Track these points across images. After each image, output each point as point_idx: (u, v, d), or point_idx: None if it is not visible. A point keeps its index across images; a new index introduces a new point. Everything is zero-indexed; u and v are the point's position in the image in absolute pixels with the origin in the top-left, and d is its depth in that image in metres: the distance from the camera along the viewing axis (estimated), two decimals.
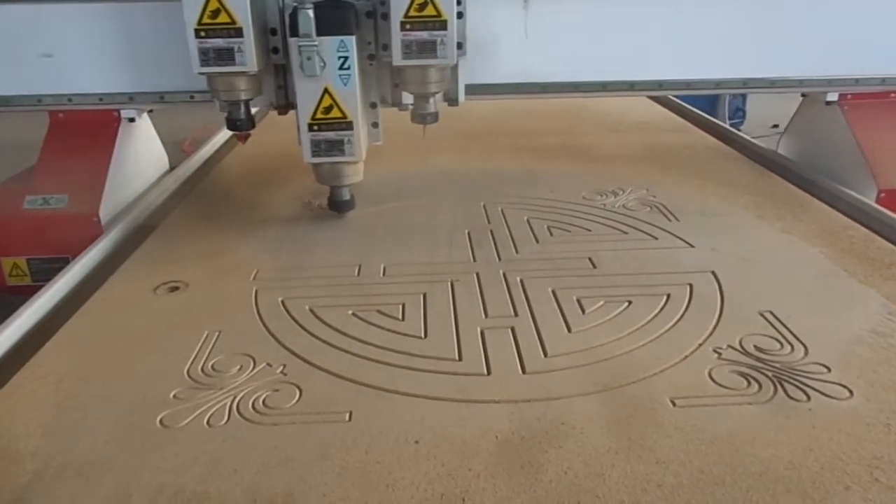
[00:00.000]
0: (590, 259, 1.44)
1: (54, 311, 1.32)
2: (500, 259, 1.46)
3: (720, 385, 1.02)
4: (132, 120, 1.91)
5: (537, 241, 1.55)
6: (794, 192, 1.84)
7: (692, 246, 1.50)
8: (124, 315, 1.26)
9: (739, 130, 2.54)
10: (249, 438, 0.93)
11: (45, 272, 1.69)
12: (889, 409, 0.95)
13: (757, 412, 0.96)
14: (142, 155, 2.07)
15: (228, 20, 1.37)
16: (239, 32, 1.38)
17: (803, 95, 2.08)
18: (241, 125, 1.56)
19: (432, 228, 1.64)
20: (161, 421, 0.96)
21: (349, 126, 1.48)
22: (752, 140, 2.34)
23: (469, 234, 1.59)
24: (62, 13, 1.69)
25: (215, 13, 1.36)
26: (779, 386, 1.01)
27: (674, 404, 0.97)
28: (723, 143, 2.35)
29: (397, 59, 1.45)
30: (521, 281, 1.35)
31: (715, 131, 2.50)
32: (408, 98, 1.63)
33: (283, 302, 1.29)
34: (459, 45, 1.51)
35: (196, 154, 2.35)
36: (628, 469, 0.86)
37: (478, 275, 1.38)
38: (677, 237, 1.55)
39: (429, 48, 1.43)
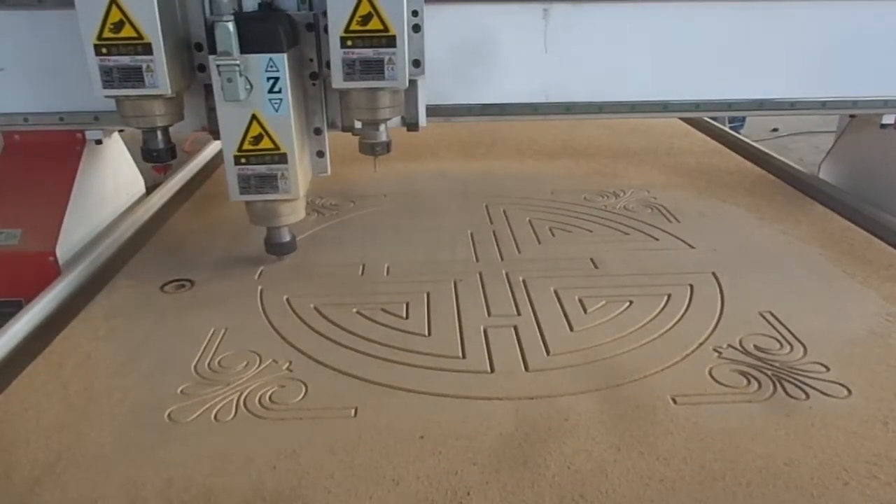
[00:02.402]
0: (591, 259, 1.46)
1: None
2: (502, 259, 1.48)
3: (721, 383, 1.03)
4: (99, 142, 1.70)
5: (539, 242, 1.56)
6: (794, 195, 1.86)
7: (693, 247, 1.51)
8: (132, 312, 1.27)
9: (739, 134, 2.55)
10: (257, 433, 0.94)
11: None
12: (887, 407, 0.97)
13: (757, 410, 0.97)
14: (110, 181, 1.84)
15: (134, 34, 1.16)
16: (147, 49, 1.17)
17: (851, 116, 1.92)
18: (159, 156, 1.34)
19: (435, 228, 1.65)
20: (169, 415, 0.98)
21: (283, 159, 1.27)
22: (753, 143, 2.35)
23: (472, 234, 1.61)
24: (15, 21, 1.45)
25: (118, 26, 1.15)
26: (778, 384, 1.02)
27: (675, 402, 0.99)
28: (723, 146, 2.36)
29: (338, 80, 1.25)
30: (524, 281, 1.36)
31: (715, 134, 2.52)
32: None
33: (288, 300, 1.30)
34: (417, 63, 1.33)
35: (200, 153, 2.36)
36: (630, 465, 0.87)
37: (481, 274, 1.40)
38: (678, 238, 1.56)
39: (375, 68, 1.24)
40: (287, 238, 1.44)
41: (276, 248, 1.44)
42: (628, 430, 0.94)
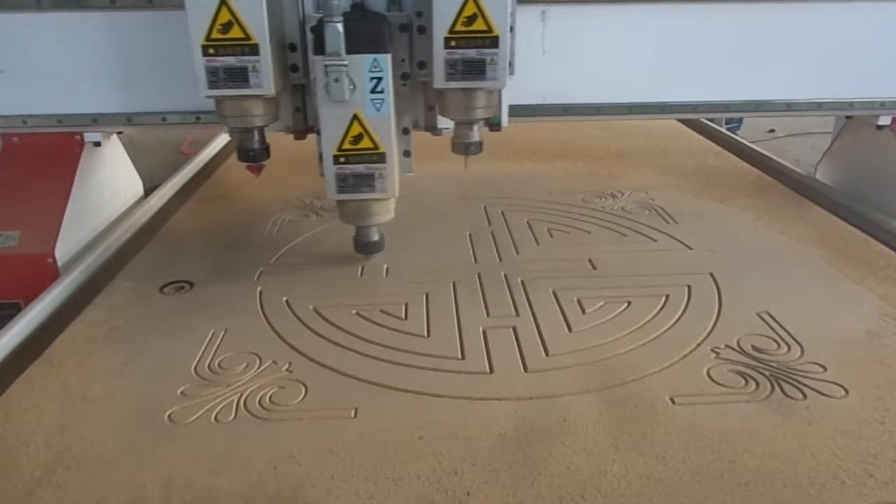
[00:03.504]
0: (590, 260, 1.46)
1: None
2: (501, 260, 1.48)
3: (718, 384, 1.04)
4: (97, 144, 1.71)
5: (538, 243, 1.57)
6: (791, 196, 1.87)
7: (690, 248, 1.52)
8: (132, 313, 1.27)
9: (736, 135, 2.55)
10: (257, 434, 0.94)
11: None
12: (883, 407, 0.98)
13: (754, 410, 0.98)
14: (108, 184, 1.85)
15: (242, 35, 1.17)
16: (254, 49, 1.18)
17: (848, 118, 1.92)
18: (255, 156, 1.36)
19: (434, 229, 1.65)
20: (169, 417, 0.98)
21: (382, 158, 1.28)
22: (749, 144, 2.36)
23: (470, 235, 1.61)
24: (14, 22, 1.46)
25: (226, 27, 1.17)
26: (776, 385, 1.03)
27: (673, 402, 0.99)
28: (720, 148, 2.37)
29: (439, 80, 1.24)
30: (522, 282, 1.37)
31: (712, 136, 2.53)
32: (443, 121, 1.44)
33: (287, 301, 1.30)
34: (509, 64, 1.31)
35: (199, 155, 2.36)
36: (629, 465, 0.88)
37: (479, 275, 1.40)
38: (676, 239, 1.57)
39: (476, 68, 1.23)
40: (376, 237, 1.45)
41: (366, 247, 1.44)
42: (627, 430, 0.94)
